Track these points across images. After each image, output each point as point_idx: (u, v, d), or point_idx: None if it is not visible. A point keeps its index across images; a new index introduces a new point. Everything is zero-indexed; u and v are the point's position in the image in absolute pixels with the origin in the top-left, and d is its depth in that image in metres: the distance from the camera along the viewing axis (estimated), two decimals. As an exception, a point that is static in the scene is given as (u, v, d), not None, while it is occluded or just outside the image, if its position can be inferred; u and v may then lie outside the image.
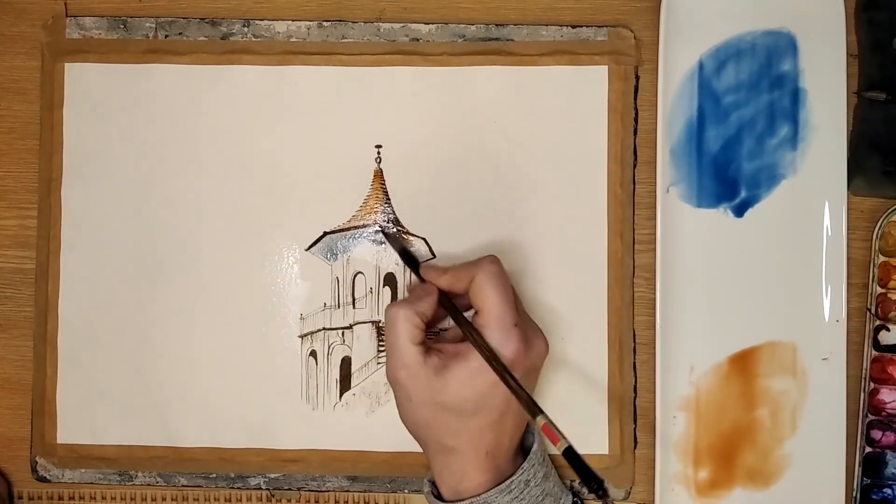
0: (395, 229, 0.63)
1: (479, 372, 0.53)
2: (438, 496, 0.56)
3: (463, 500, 0.54)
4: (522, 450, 0.58)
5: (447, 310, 0.56)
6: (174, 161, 0.64)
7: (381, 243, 0.63)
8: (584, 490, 0.47)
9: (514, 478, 0.54)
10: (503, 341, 0.53)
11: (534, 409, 0.51)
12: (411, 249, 0.61)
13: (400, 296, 0.63)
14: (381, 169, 0.63)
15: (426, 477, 0.58)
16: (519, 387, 0.52)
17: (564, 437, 0.49)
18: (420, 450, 0.62)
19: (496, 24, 0.63)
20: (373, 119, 0.63)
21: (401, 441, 0.63)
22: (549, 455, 0.59)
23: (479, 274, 0.54)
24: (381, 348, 0.63)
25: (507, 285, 0.55)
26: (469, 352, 0.53)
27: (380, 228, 0.62)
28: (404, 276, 0.63)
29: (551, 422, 0.50)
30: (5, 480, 0.64)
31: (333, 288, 0.63)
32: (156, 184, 0.64)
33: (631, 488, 0.62)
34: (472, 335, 0.53)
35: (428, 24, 0.63)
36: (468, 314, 0.55)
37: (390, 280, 0.63)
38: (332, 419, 0.63)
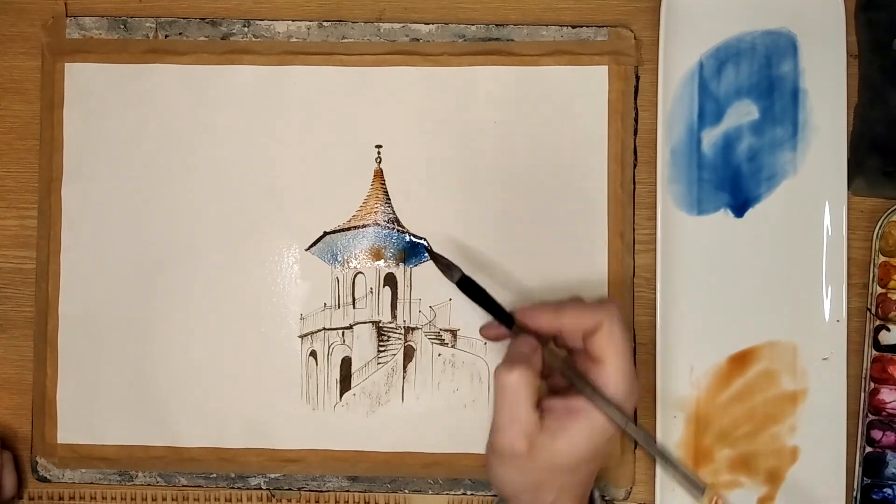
0: (439, 256, 0.55)
1: (597, 429, 0.49)
2: None
3: None
4: None
5: (556, 366, 0.52)
6: (174, 161, 0.64)
7: (382, 243, 0.63)
8: None
9: None
10: (628, 396, 0.50)
11: (699, 486, 0.48)
12: (468, 276, 0.54)
13: (401, 296, 0.63)
14: (381, 169, 0.63)
15: None
16: (677, 467, 0.49)
17: None
18: (420, 450, 0.63)
19: (496, 24, 0.63)
20: (373, 119, 0.63)
21: (401, 441, 0.63)
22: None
23: (608, 321, 0.50)
24: (382, 349, 0.63)
25: (630, 335, 0.51)
26: (583, 408, 0.49)
27: (434, 259, 0.55)
28: (404, 276, 0.63)
29: (720, 494, 0.48)
30: (12, 453, 0.64)
31: (333, 288, 0.63)
32: (156, 184, 0.64)
33: (631, 488, 0.62)
34: (594, 395, 0.50)
35: (428, 24, 0.63)
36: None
37: (390, 280, 0.63)
38: (333, 419, 0.63)
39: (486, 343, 0.62)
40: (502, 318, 0.53)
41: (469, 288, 0.54)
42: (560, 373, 0.52)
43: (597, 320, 0.50)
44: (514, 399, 0.49)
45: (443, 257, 0.55)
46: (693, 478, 0.49)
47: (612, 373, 0.50)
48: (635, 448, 0.62)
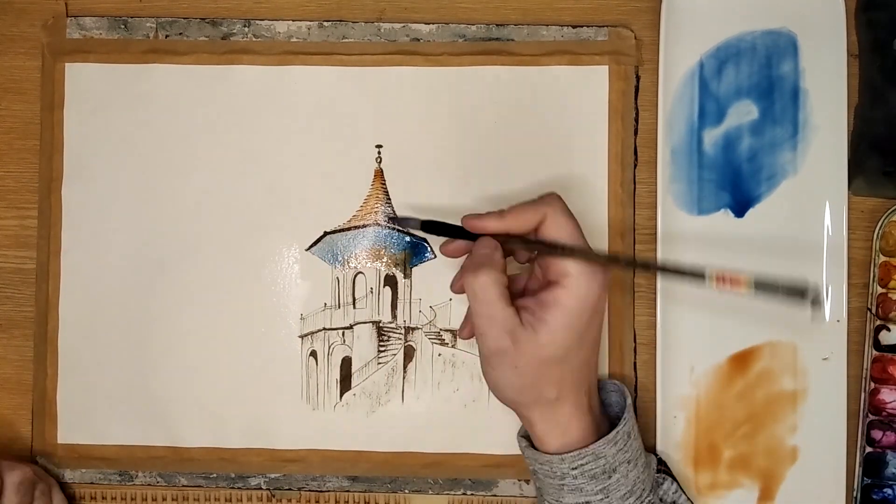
0: (398, 216, 0.62)
1: (576, 313, 0.51)
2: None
3: (571, 451, 0.53)
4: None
5: (526, 248, 0.54)
6: (174, 161, 0.64)
7: (382, 243, 0.63)
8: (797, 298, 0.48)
9: (619, 429, 0.54)
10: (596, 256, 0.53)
11: (698, 271, 0.49)
12: (428, 219, 0.57)
13: (401, 295, 0.63)
14: (381, 169, 0.63)
15: (519, 432, 0.57)
16: (672, 267, 0.52)
17: (746, 276, 0.48)
18: (419, 450, 0.63)
19: (496, 24, 0.63)
20: (373, 119, 0.63)
21: (401, 441, 0.63)
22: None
23: (552, 210, 0.53)
24: (382, 349, 0.63)
25: (575, 220, 0.54)
26: (559, 295, 0.51)
27: (390, 222, 0.62)
28: (404, 276, 0.63)
29: (721, 271, 0.49)
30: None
31: (334, 288, 0.63)
32: (156, 184, 0.64)
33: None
34: (578, 252, 0.52)
35: (428, 24, 0.63)
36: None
37: (390, 280, 0.63)
38: (333, 419, 0.63)
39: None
40: (464, 236, 0.55)
41: (432, 227, 0.56)
42: (529, 251, 0.55)
43: (541, 213, 0.53)
44: (487, 299, 0.51)
45: (400, 219, 0.60)
46: (690, 268, 0.50)
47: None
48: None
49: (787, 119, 0.62)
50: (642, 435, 0.62)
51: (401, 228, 0.63)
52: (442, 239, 0.56)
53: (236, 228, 0.63)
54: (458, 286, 0.56)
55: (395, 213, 0.63)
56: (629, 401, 0.56)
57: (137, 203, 0.64)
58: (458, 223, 0.55)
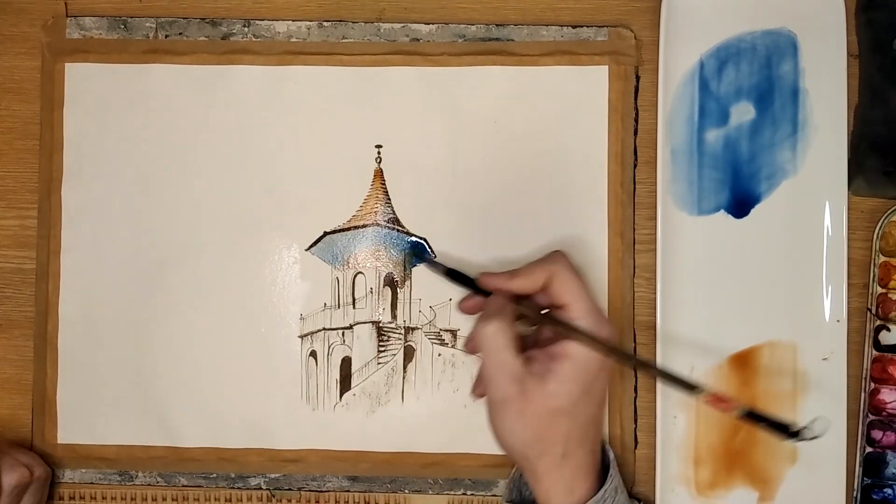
0: (432, 256, 0.62)
1: (584, 365, 0.52)
2: None
3: None
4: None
5: (535, 317, 0.55)
6: (174, 161, 0.64)
7: (382, 243, 0.63)
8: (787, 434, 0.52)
9: (606, 486, 0.54)
10: (601, 326, 0.53)
11: (693, 386, 0.53)
12: (454, 267, 0.59)
13: (402, 296, 0.63)
14: (381, 169, 0.63)
15: (504, 497, 0.58)
16: (668, 373, 0.54)
17: (737, 403, 0.53)
18: (419, 450, 0.63)
19: (496, 25, 0.63)
20: (373, 119, 0.63)
21: (401, 441, 0.63)
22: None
23: (559, 269, 0.54)
24: (382, 349, 0.63)
25: (581, 278, 0.55)
26: (568, 347, 0.52)
27: (422, 262, 0.62)
28: (404, 277, 0.63)
29: (715, 391, 0.53)
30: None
31: (333, 288, 0.63)
32: (156, 184, 0.64)
33: (632, 489, 0.62)
34: (574, 329, 0.53)
35: (428, 24, 0.63)
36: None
37: (390, 280, 0.63)
38: (332, 419, 0.63)
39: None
40: (480, 292, 0.57)
41: (455, 276, 0.58)
42: (537, 321, 0.56)
43: (548, 272, 0.54)
44: (496, 346, 0.52)
45: (428, 261, 0.62)
46: (687, 380, 0.54)
47: (576, 311, 0.53)
48: (635, 448, 0.62)
49: (786, 119, 0.62)
50: (642, 437, 0.62)
51: (406, 236, 0.63)
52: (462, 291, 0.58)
53: (236, 228, 0.63)
54: (469, 305, 0.58)
55: (394, 214, 0.63)
56: (612, 455, 0.57)
57: (137, 203, 0.64)
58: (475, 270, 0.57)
